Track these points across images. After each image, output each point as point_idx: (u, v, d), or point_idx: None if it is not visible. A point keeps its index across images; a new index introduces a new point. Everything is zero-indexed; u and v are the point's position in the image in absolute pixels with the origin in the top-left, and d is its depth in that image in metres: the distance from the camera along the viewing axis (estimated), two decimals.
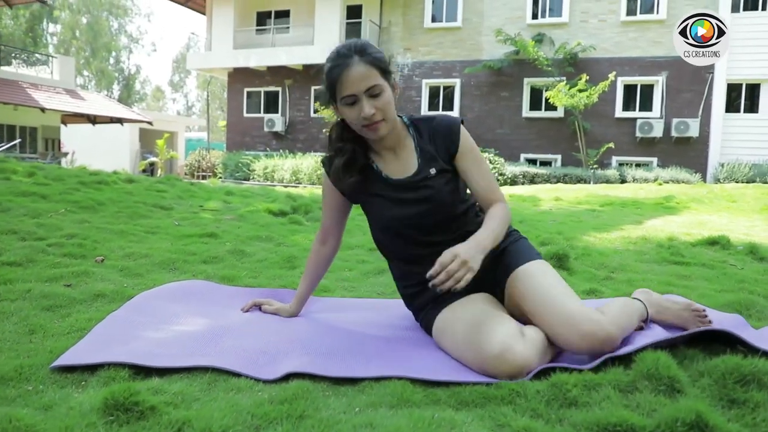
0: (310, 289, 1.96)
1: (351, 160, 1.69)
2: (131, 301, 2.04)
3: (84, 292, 2.12)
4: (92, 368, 1.49)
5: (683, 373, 1.39)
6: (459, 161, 1.68)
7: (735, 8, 13.91)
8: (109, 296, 2.10)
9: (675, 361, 1.41)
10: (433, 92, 16.67)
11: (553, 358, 1.53)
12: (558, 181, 13.04)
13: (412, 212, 1.66)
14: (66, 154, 18.93)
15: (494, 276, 1.69)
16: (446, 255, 1.44)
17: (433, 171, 1.67)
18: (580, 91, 13.25)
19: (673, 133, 14.03)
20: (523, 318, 1.62)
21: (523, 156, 15.54)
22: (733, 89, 14.26)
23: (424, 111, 16.56)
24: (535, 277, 1.60)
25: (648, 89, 14.73)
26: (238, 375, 1.47)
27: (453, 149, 1.67)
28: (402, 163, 1.70)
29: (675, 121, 14.02)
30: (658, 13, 14.49)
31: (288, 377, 1.45)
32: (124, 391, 1.23)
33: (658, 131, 14.10)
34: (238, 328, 1.83)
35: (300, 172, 14.70)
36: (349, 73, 1.53)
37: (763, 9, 14.05)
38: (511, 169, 13.34)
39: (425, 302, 1.73)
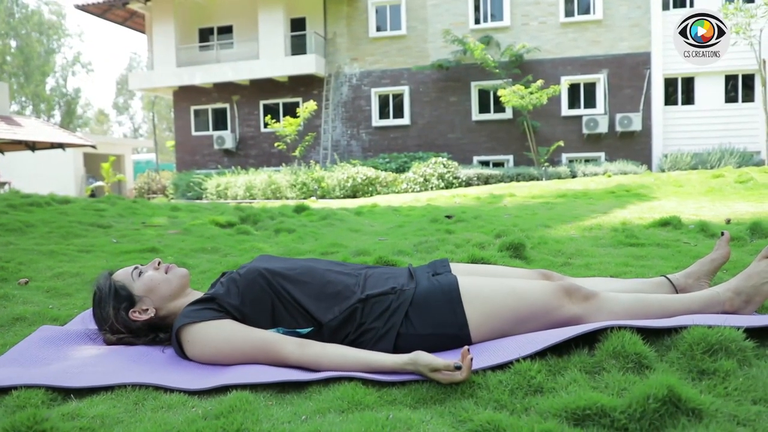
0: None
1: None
2: (72, 320, 1.88)
3: (1, 316, 1.91)
4: (5, 392, 1.31)
5: (650, 349, 1.32)
6: None
7: (665, 6, 14.50)
8: (30, 319, 1.90)
9: (640, 337, 1.34)
10: (383, 100, 16.68)
11: None
12: (512, 181, 13.19)
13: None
14: (4, 184, 17.95)
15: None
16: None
17: None
18: (531, 93, 13.48)
19: (618, 128, 14.44)
20: None
21: (476, 158, 15.69)
22: (669, 83, 14.81)
23: (375, 119, 16.54)
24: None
25: (591, 87, 15.14)
26: (169, 390, 1.31)
27: None
28: None
29: (618, 116, 14.44)
30: (594, 13, 14.94)
31: (226, 389, 1.30)
32: (28, 419, 1.07)
33: (603, 127, 14.49)
34: None
35: (254, 188, 14.40)
36: None
37: (691, 6, 14.68)
38: (465, 172, 13.44)
39: (396, 303, 1.51)
